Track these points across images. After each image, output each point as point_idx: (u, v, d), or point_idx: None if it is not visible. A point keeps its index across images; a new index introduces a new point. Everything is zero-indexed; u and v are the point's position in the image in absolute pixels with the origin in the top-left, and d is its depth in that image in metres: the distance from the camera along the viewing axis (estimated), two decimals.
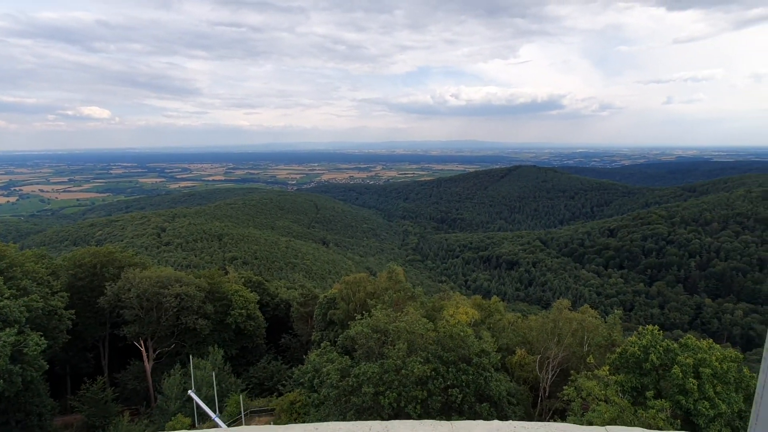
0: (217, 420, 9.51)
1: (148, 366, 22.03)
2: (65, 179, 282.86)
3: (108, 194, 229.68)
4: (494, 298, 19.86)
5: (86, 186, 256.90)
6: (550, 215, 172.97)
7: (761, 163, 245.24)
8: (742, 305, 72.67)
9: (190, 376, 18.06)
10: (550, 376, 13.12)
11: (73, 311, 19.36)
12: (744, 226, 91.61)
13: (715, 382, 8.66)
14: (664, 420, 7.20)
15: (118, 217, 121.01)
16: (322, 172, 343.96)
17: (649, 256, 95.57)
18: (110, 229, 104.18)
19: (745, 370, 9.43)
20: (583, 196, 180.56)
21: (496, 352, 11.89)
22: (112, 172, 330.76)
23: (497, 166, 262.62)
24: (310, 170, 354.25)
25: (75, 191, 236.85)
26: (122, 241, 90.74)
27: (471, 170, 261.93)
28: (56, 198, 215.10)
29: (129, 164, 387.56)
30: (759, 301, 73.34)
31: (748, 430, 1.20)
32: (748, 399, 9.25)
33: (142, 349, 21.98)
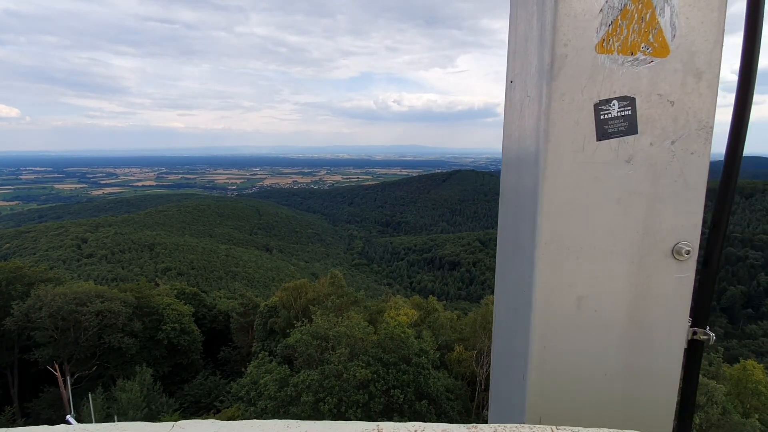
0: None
1: (64, 392, 19.94)
2: None
3: (17, 202, 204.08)
4: (431, 297, 20.54)
5: None
6: (488, 217, 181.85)
7: None
8: None
9: (116, 400, 16.63)
10: (485, 370, 13.82)
11: None
12: None
13: None
14: None
15: (29, 228, 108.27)
16: (264, 176, 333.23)
17: None
18: (20, 242, 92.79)
19: None
20: None
21: (435, 350, 12.31)
22: (22, 177, 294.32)
23: (439, 171, 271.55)
24: (251, 175, 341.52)
25: None
26: (35, 254, 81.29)
27: (414, 174, 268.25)
28: None
29: (43, 168, 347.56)
30: None
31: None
32: None
33: (57, 374, 19.87)
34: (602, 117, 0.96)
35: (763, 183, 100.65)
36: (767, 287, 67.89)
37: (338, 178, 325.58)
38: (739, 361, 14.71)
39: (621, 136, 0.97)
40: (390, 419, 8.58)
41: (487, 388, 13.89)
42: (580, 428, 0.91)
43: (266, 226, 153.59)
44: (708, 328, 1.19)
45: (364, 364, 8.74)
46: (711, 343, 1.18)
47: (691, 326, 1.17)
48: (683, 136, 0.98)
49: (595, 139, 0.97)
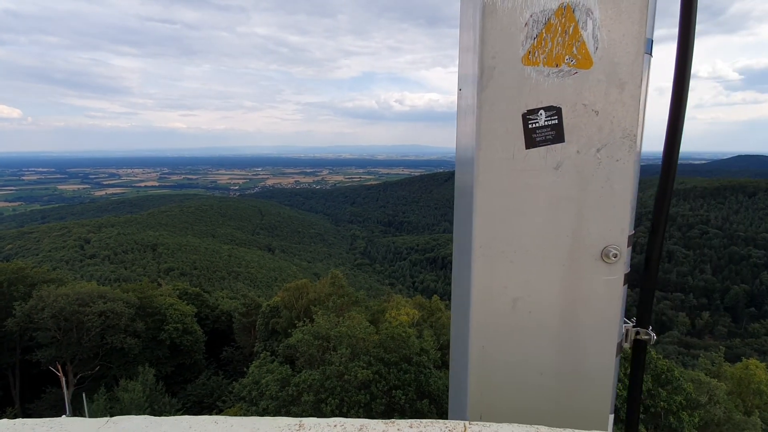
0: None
1: (67, 393, 20.00)
2: None
3: (20, 203, 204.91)
4: (434, 297, 20.51)
5: None
6: None
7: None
8: (656, 293, 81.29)
9: (119, 400, 16.65)
10: None
11: None
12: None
13: (626, 364, 9.59)
14: None
15: (32, 228, 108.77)
16: (266, 177, 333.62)
17: None
18: (23, 242, 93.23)
19: (652, 353, 10.53)
20: None
21: (437, 349, 12.26)
22: (24, 178, 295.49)
23: (441, 170, 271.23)
24: (253, 175, 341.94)
25: None
26: (38, 255, 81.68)
27: (416, 174, 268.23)
28: None
29: (45, 169, 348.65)
30: (668, 289, 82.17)
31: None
32: (656, 378, 10.36)
33: (60, 375, 19.92)
34: (530, 126, 1.02)
35: (765, 182, 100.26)
36: None
37: (340, 178, 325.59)
38: (741, 360, 14.64)
39: (549, 144, 1.02)
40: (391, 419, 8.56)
41: None
42: (492, 423, 0.94)
43: (269, 226, 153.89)
44: (650, 328, 1.26)
45: (365, 365, 8.72)
46: (652, 342, 1.25)
47: (634, 326, 1.23)
48: (608, 144, 1.02)
49: (524, 147, 1.02)
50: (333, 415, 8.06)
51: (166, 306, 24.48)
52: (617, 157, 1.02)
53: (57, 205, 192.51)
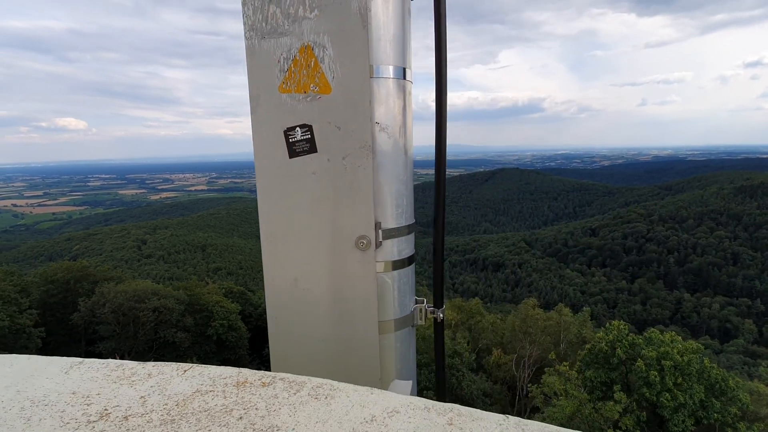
0: None
1: None
2: (40, 193, 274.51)
3: (85, 207, 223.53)
4: (474, 299, 20.07)
5: (62, 199, 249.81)
6: (534, 216, 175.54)
7: (731, 162, 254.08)
8: (719, 298, 74.85)
9: None
10: (527, 375, 13.33)
11: (42, 329, 18.83)
12: (718, 222, 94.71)
13: (677, 373, 8.95)
14: (620, 412, 7.42)
15: (97, 230, 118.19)
16: None
17: (630, 254, 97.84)
18: (88, 243, 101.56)
19: (705, 362, 9.75)
20: (566, 196, 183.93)
21: (472, 352, 12.03)
22: (89, 184, 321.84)
23: (481, 170, 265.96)
24: None
25: (50, 205, 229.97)
26: (101, 254, 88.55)
27: (456, 174, 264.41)
28: (30, 212, 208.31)
29: (107, 176, 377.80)
30: (733, 294, 75.65)
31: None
32: (709, 389, 9.59)
33: None
34: (291, 140, 1.27)
35: None
36: None
37: None
38: None
39: (306, 154, 1.27)
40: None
41: (529, 394, 13.40)
42: (265, 372, 1.12)
43: None
44: (443, 307, 1.52)
45: None
46: (440, 320, 1.51)
47: (433, 307, 1.50)
48: (351, 154, 1.25)
49: (288, 157, 1.28)
50: None
51: (213, 303, 25.74)
52: (359, 164, 1.24)
53: (117, 208, 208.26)
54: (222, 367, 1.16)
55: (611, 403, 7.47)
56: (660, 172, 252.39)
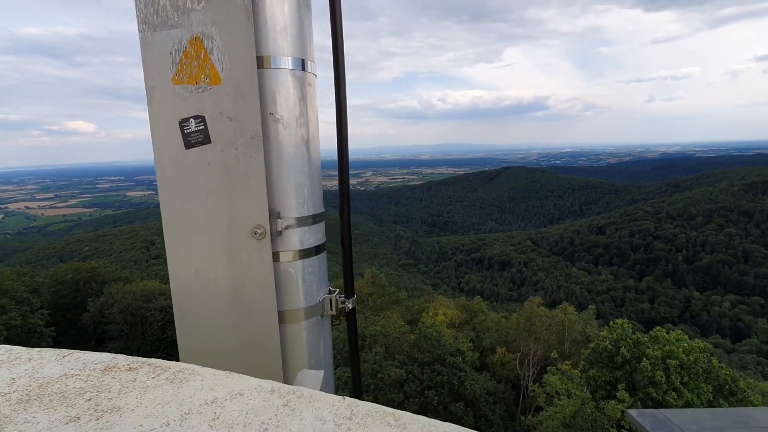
0: None
1: None
2: (51, 195, 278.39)
3: (95, 209, 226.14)
4: (477, 298, 20.07)
5: (73, 201, 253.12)
6: (539, 215, 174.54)
7: (741, 158, 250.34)
8: (729, 297, 73.90)
9: None
10: (531, 374, 13.29)
11: (53, 328, 19.13)
12: (728, 219, 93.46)
13: (683, 373, 8.87)
14: (623, 411, 7.37)
15: (106, 232, 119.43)
16: None
17: (638, 252, 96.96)
18: (98, 245, 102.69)
19: (714, 361, 9.65)
20: (572, 195, 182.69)
21: (475, 351, 12.03)
22: (98, 186, 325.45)
23: (487, 168, 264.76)
24: None
25: (61, 207, 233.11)
26: (110, 255, 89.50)
27: (461, 173, 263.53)
28: (42, 214, 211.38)
29: (116, 178, 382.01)
30: (745, 292, 74.67)
31: None
32: (718, 389, 9.49)
33: None
34: (186, 131, 1.27)
35: None
36: None
37: (384, 179, 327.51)
38: None
39: (201, 145, 1.27)
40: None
41: (531, 393, 13.35)
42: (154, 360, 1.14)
43: None
44: (354, 297, 1.54)
45: (399, 364, 8.76)
46: (349, 309, 1.51)
47: (344, 297, 1.51)
48: (243, 144, 1.25)
49: (184, 148, 1.28)
50: None
51: None
52: (250, 154, 1.25)
53: (126, 210, 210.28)
54: (99, 354, 1.21)
55: (614, 402, 7.45)
56: (668, 169, 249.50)
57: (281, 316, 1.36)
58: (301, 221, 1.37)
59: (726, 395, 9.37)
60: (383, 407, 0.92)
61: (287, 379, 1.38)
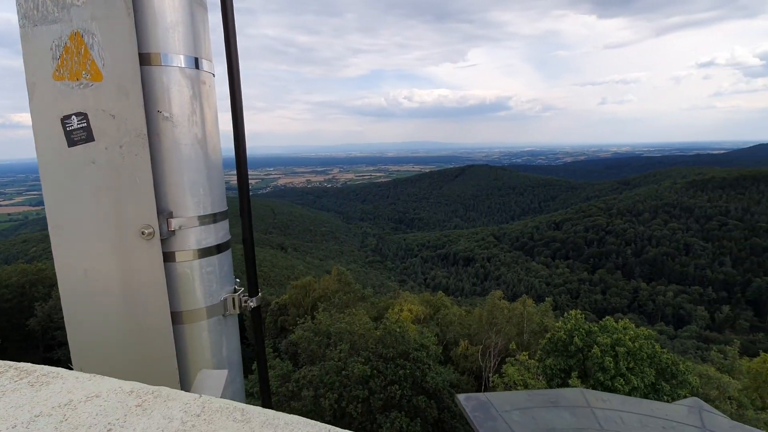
0: None
1: None
2: None
3: (42, 207, 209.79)
4: (439, 293, 20.55)
5: (18, 199, 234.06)
6: (502, 212, 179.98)
7: (683, 158, 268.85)
8: (672, 287, 79.43)
9: None
10: (492, 365, 13.81)
11: None
12: (671, 214, 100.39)
13: (629, 359, 9.56)
14: None
15: None
16: (278, 176, 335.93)
17: (591, 246, 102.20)
18: (46, 245, 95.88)
19: (657, 347, 10.44)
20: (531, 192, 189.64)
21: (439, 345, 12.34)
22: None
23: (451, 166, 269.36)
24: (265, 175, 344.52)
25: (5, 205, 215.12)
26: None
27: (426, 171, 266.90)
28: None
29: None
30: (686, 282, 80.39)
31: None
32: (660, 373, 10.29)
33: None
34: (68, 129, 1.23)
35: None
36: None
37: (351, 176, 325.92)
38: (760, 355, 14.30)
39: (84, 143, 1.23)
40: (389, 414, 8.71)
41: (491, 384, 13.89)
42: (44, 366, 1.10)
43: (281, 225, 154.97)
44: (259, 294, 1.55)
45: (364, 360, 8.87)
46: (254, 306, 1.51)
47: (248, 296, 1.50)
48: (127, 142, 1.22)
49: (67, 146, 1.24)
50: (332, 409, 8.24)
51: None
52: (136, 153, 1.23)
53: None
54: None
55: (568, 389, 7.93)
56: (618, 168, 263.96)
57: (179, 317, 1.33)
58: (198, 220, 1.35)
59: (668, 378, 10.18)
60: (236, 403, 0.91)
61: (187, 380, 1.37)
